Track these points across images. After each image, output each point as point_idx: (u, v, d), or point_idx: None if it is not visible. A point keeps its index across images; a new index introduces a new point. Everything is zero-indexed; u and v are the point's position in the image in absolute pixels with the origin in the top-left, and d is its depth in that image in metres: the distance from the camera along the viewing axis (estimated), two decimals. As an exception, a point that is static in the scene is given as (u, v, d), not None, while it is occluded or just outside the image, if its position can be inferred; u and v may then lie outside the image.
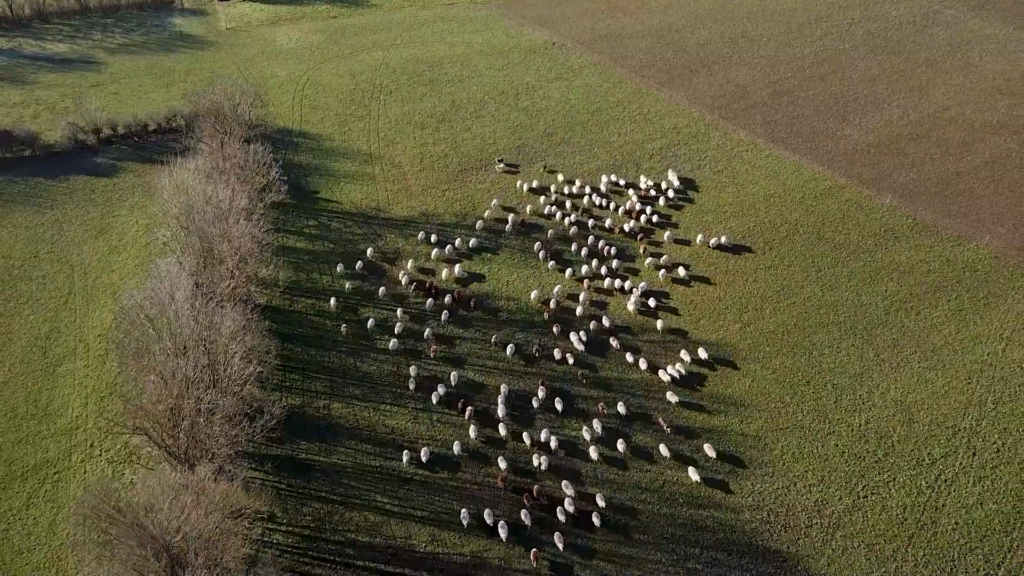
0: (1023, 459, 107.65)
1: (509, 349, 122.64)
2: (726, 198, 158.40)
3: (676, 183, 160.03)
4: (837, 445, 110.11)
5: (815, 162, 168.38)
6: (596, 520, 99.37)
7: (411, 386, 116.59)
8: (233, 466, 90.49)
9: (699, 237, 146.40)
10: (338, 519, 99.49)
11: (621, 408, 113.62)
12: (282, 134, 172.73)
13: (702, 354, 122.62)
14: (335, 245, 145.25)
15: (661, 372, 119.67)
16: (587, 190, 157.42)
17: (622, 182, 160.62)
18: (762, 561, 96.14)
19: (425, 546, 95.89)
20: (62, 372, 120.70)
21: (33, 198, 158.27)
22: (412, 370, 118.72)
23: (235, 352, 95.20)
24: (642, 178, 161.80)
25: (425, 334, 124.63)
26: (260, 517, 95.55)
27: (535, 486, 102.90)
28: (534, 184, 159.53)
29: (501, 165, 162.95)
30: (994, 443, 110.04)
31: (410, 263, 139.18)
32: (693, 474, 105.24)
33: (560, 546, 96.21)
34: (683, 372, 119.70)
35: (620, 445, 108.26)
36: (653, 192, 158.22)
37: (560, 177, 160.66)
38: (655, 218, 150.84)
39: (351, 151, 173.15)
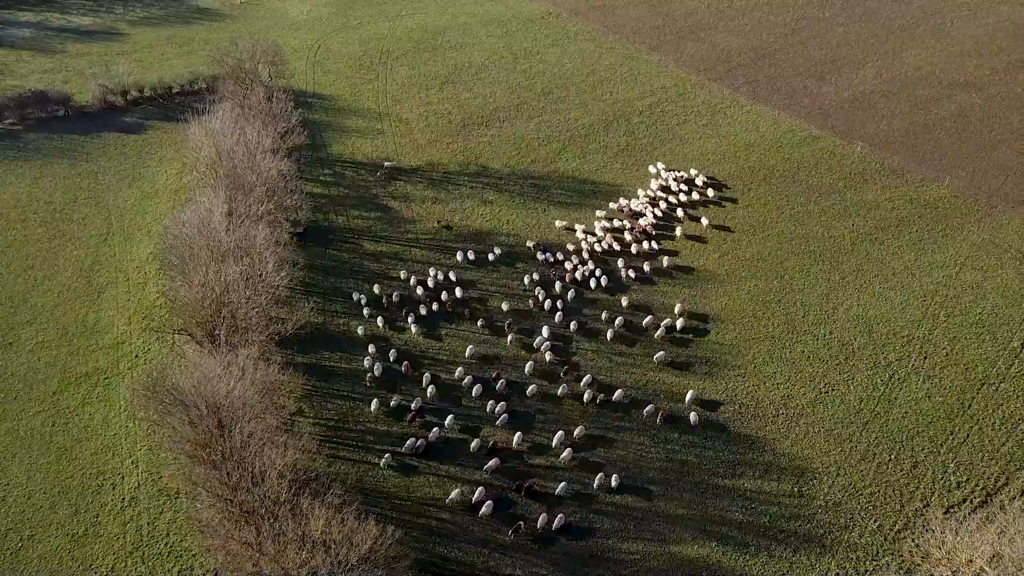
0: (968, 362, 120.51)
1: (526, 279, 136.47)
2: (709, 147, 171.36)
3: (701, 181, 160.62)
4: (803, 351, 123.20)
5: (793, 116, 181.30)
6: (587, 395, 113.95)
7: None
8: (269, 352, 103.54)
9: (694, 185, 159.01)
10: (358, 413, 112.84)
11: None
12: (296, 95, 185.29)
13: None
14: (348, 190, 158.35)
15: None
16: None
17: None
18: (734, 443, 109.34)
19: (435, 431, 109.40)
20: (106, 297, 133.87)
21: (69, 152, 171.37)
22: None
23: (268, 260, 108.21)
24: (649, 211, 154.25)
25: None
26: (291, 409, 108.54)
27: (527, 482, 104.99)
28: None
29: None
30: (943, 349, 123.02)
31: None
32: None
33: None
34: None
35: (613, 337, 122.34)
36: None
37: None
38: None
39: (361, 109, 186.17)
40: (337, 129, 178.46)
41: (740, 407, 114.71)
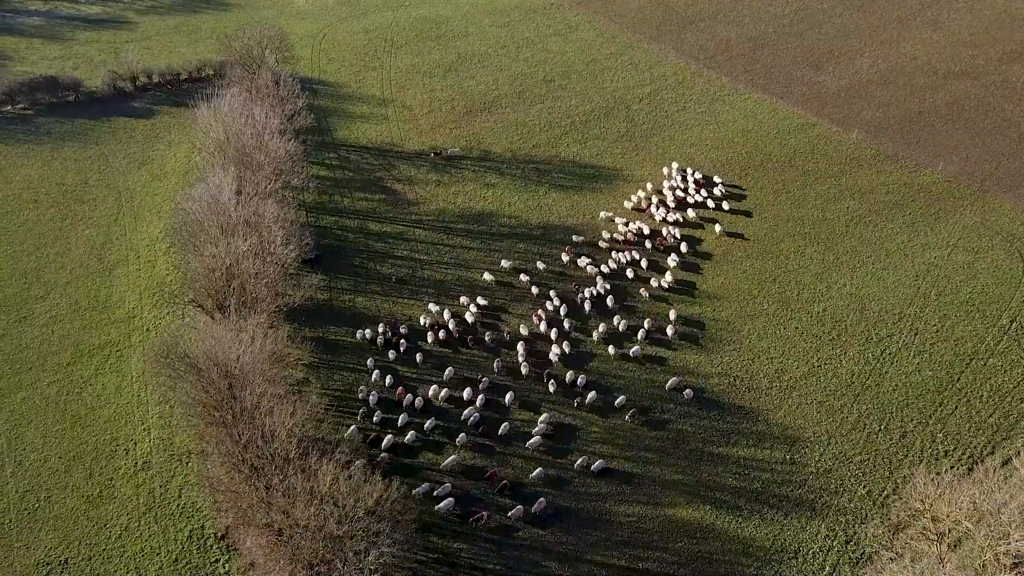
0: (958, 338, 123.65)
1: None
2: (708, 133, 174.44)
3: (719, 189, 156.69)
4: (797, 327, 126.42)
5: (790, 104, 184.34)
6: (580, 382, 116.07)
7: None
8: (277, 323, 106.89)
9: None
10: (362, 385, 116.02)
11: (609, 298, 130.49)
12: (302, 82, 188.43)
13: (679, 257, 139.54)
14: (354, 173, 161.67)
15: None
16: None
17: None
18: (728, 414, 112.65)
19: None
20: (117, 274, 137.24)
21: (79, 136, 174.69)
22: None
23: (277, 235, 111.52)
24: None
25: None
26: (298, 377, 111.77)
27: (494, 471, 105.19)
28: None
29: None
30: (934, 326, 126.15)
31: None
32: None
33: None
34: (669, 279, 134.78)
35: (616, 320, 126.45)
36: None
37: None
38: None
39: (366, 96, 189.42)
40: (342, 115, 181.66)
41: (734, 380, 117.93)
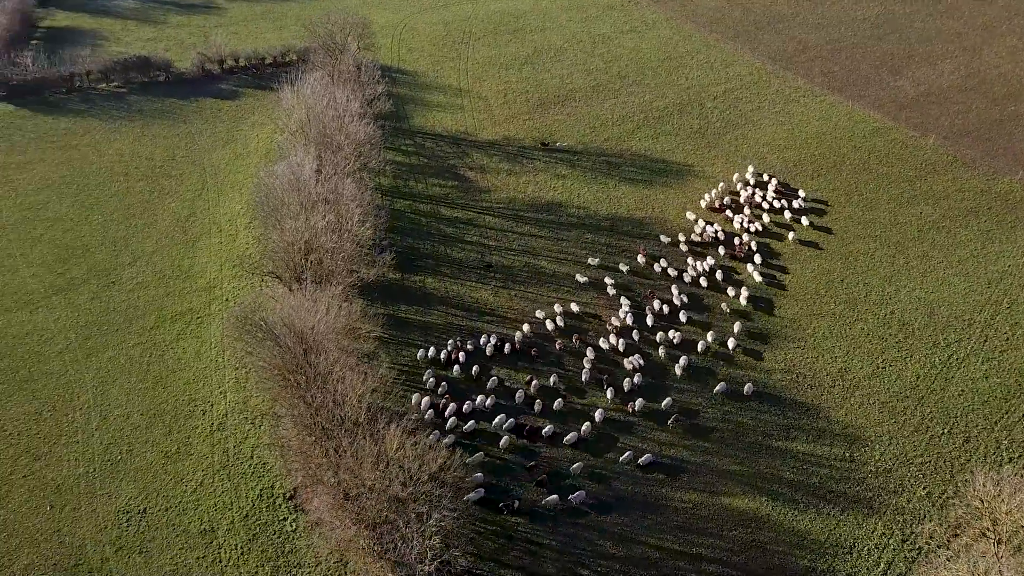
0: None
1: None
2: (781, 133, 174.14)
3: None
4: (863, 329, 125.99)
5: (867, 107, 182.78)
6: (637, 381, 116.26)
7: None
8: (351, 297, 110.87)
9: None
10: (428, 363, 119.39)
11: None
12: (381, 70, 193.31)
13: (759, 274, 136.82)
14: (428, 160, 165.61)
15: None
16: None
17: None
18: (789, 409, 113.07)
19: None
20: (200, 245, 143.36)
21: (168, 114, 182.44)
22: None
23: (354, 212, 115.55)
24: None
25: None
26: (369, 350, 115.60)
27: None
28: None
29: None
30: (1004, 334, 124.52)
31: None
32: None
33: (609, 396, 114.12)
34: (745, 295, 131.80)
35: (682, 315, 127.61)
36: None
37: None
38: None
39: (442, 86, 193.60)
40: (419, 103, 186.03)
41: (797, 377, 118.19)
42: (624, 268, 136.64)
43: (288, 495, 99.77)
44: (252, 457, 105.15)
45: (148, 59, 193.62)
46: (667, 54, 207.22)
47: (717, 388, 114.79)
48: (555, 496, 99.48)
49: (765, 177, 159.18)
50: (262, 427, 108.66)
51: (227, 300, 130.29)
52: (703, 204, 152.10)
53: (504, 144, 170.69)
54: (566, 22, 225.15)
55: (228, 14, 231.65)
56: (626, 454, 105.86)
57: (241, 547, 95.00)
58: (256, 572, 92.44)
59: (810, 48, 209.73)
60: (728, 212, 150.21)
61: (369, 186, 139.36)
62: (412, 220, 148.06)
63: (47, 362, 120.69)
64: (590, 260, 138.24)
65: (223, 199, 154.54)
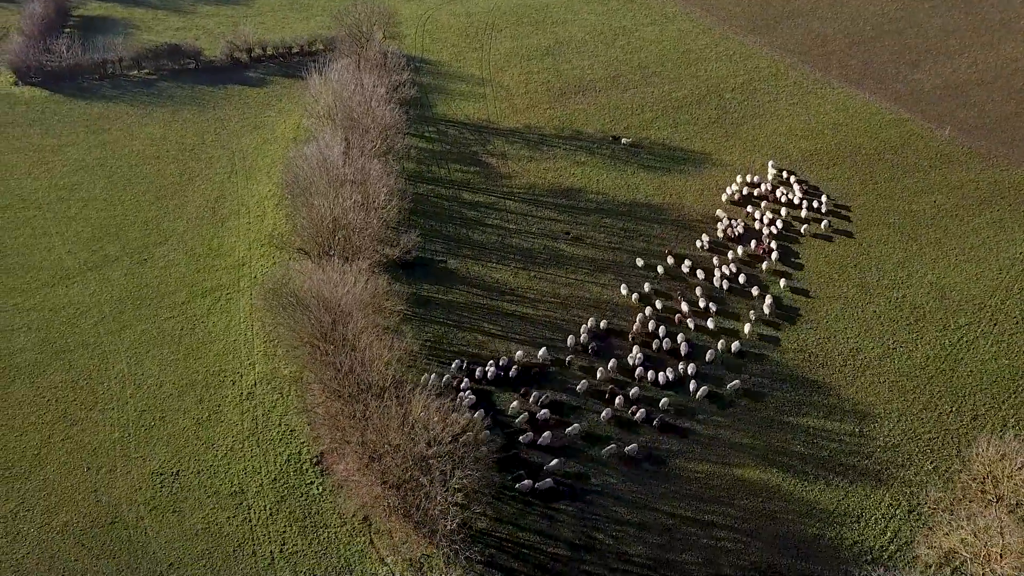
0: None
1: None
2: (798, 124, 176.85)
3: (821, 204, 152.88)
4: (875, 311, 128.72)
5: (883, 99, 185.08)
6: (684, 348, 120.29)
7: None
8: (377, 273, 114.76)
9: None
10: (452, 336, 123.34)
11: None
12: (406, 60, 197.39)
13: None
14: (451, 146, 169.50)
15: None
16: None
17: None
18: (800, 386, 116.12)
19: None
20: (229, 225, 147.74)
21: (198, 100, 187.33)
22: None
23: (380, 191, 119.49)
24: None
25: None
26: (393, 325, 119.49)
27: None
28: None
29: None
30: (1014, 317, 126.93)
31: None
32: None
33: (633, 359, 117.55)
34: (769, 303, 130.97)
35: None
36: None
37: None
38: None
39: (465, 75, 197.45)
40: (442, 92, 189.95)
41: (809, 356, 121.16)
42: (660, 269, 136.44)
43: (315, 460, 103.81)
44: (280, 424, 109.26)
45: (179, 47, 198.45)
46: (686, 47, 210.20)
47: (731, 385, 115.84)
48: (613, 446, 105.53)
49: (784, 175, 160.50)
50: (289, 396, 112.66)
51: (255, 277, 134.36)
52: (724, 198, 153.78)
53: (525, 132, 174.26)
54: (587, 15, 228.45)
55: (256, 4, 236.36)
56: (640, 412, 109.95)
57: (270, 508, 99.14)
58: (284, 531, 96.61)
59: (828, 41, 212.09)
60: (749, 208, 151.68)
61: (394, 168, 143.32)
62: (435, 204, 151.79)
63: (83, 334, 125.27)
64: (638, 261, 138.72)
65: (251, 182, 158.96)
